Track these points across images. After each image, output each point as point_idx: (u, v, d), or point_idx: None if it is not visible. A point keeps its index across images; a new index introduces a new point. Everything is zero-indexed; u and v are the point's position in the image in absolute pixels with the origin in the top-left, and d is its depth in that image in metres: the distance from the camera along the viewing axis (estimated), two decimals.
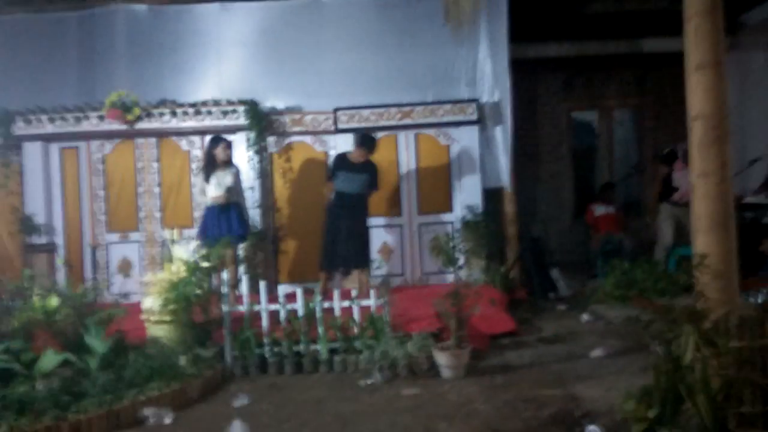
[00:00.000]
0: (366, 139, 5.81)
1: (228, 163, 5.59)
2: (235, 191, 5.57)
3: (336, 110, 6.51)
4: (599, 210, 7.51)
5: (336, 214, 5.70)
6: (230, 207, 5.50)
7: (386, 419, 3.46)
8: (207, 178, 5.51)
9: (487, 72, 6.67)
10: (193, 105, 6.36)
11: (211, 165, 5.52)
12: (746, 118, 7.66)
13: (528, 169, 8.02)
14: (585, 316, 5.46)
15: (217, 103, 6.36)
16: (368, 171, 5.75)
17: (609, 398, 3.39)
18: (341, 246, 5.63)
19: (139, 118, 6.30)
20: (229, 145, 5.65)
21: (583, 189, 8.65)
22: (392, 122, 6.58)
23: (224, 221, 5.45)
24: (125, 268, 6.53)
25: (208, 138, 5.99)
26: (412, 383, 4.05)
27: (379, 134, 6.63)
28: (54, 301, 4.24)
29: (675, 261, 5.63)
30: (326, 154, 6.61)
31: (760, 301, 4.60)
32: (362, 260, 5.78)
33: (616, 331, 4.91)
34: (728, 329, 2.78)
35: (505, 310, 5.31)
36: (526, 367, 4.29)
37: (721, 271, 2.94)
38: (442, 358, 4.19)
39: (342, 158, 5.80)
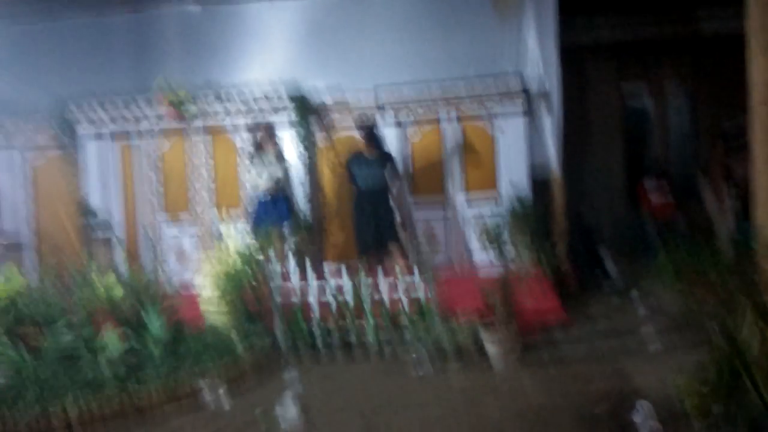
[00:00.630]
0: (369, 135, 5.78)
1: (277, 154, 5.73)
2: (283, 182, 5.70)
3: (382, 105, 6.52)
4: (655, 197, 7.25)
5: (362, 211, 5.75)
6: (279, 197, 5.65)
7: (437, 407, 3.47)
8: (258, 170, 5.66)
9: (536, 59, 6.52)
10: (245, 100, 6.49)
11: (262, 157, 5.67)
12: None
13: (579, 156, 7.82)
14: (638, 302, 5.29)
15: (267, 96, 6.49)
16: (384, 163, 5.76)
17: (667, 386, 3.28)
18: (376, 232, 5.66)
19: (195, 117, 6.51)
20: (277, 138, 5.78)
21: (637, 177, 8.38)
22: (440, 112, 6.55)
23: (274, 211, 5.59)
24: (181, 257, 6.78)
25: (259, 133, 6.14)
26: (463, 371, 4.05)
27: (426, 126, 6.65)
28: (118, 288, 4.44)
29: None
30: None
31: None
32: (394, 236, 5.74)
33: (672, 315, 4.75)
34: None
35: (556, 299, 5.23)
36: (578, 358, 4.21)
37: None
38: (491, 347, 4.17)
39: (356, 156, 5.84)
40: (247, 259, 4.55)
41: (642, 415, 2.85)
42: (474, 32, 6.55)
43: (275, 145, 5.71)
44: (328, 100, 6.62)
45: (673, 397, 3.00)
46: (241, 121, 6.56)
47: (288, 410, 3.36)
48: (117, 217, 6.84)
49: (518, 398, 3.50)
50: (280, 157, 5.75)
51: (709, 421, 2.72)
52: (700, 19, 7.40)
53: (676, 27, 7.45)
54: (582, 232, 6.68)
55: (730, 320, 2.75)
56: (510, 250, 6.07)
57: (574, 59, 7.13)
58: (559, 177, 6.52)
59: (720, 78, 7.95)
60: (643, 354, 4.03)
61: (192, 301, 4.73)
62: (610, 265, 6.38)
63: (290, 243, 5.97)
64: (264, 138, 5.71)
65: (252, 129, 6.40)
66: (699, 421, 2.76)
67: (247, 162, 6.05)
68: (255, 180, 5.72)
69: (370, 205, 5.72)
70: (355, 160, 5.83)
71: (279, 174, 5.62)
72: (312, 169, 6.64)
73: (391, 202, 5.87)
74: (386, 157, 5.84)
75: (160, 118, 6.61)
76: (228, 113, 6.53)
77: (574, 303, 5.50)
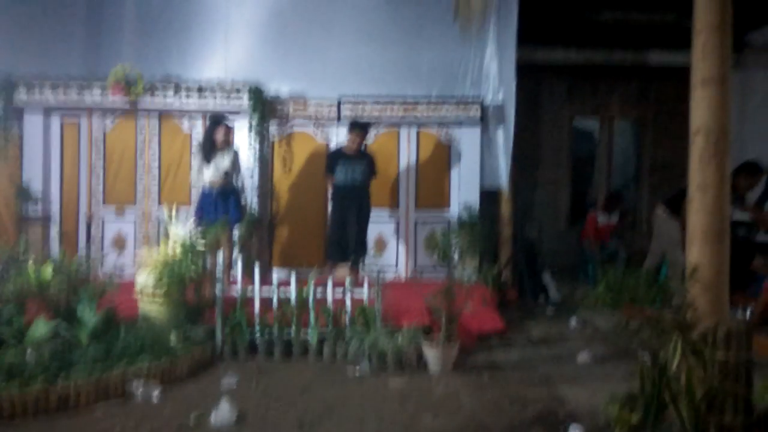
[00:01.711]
0: (357, 123, 5.98)
1: (227, 146, 5.57)
2: (232, 175, 5.57)
3: (340, 101, 6.51)
4: (601, 219, 7.56)
5: (341, 205, 5.90)
6: (227, 191, 5.50)
7: (373, 407, 3.51)
8: (206, 161, 5.48)
9: (493, 73, 6.69)
10: (197, 86, 6.35)
11: (211, 147, 5.49)
12: (746, 136, 7.73)
13: (526, 173, 8.06)
14: (574, 321, 5.53)
15: (221, 84, 6.36)
16: (365, 160, 5.93)
17: (593, 401, 3.44)
18: (350, 237, 5.83)
19: (142, 95, 6.29)
20: (229, 129, 5.64)
21: (579, 196, 8.71)
22: (395, 116, 6.59)
23: (221, 204, 5.45)
24: (120, 243, 6.54)
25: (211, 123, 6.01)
26: (400, 375, 4.10)
27: (382, 128, 6.68)
28: (48, 271, 4.25)
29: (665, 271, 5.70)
30: (327, 145, 6.62)
31: (747, 316, 4.69)
32: (364, 251, 5.99)
33: (604, 337, 4.98)
34: (715, 341, 2.83)
35: (495, 310, 5.35)
36: (513, 366, 4.34)
37: (712, 283, 2.99)
38: (430, 353, 4.24)
39: (338, 152, 6.01)
40: (189, 249, 4.43)
41: None
42: (437, 48, 6.63)
43: (226, 136, 5.55)
44: (285, 93, 6.54)
45: (600, 418, 3.14)
46: (193, 107, 6.38)
47: (221, 407, 3.30)
48: (56, 200, 6.50)
49: (451, 403, 3.56)
50: (230, 150, 5.60)
51: None
52: (648, 49, 7.77)
53: (625, 55, 7.79)
54: (525, 247, 6.86)
55: (662, 352, 2.89)
56: (455, 258, 6.17)
57: (529, 77, 7.34)
58: (507, 190, 6.69)
59: (664, 107, 8.38)
60: (575, 374, 4.17)
61: (129, 292, 4.57)
62: (549, 282, 6.59)
63: (236, 238, 5.86)
64: (215, 129, 5.54)
65: (204, 117, 6.25)
66: None
67: (196, 152, 5.88)
68: (203, 171, 5.55)
69: (349, 200, 5.83)
70: (336, 156, 5.95)
71: (227, 167, 5.48)
72: (264, 163, 6.55)
73: (370, 201, 5.99)
74: (366, 156, 5.99)
75: (106, 97, 6.33)
76: (179, 97, 6.33)
77: (512, 315, 5.65)
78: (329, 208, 6.33)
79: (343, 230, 5.87)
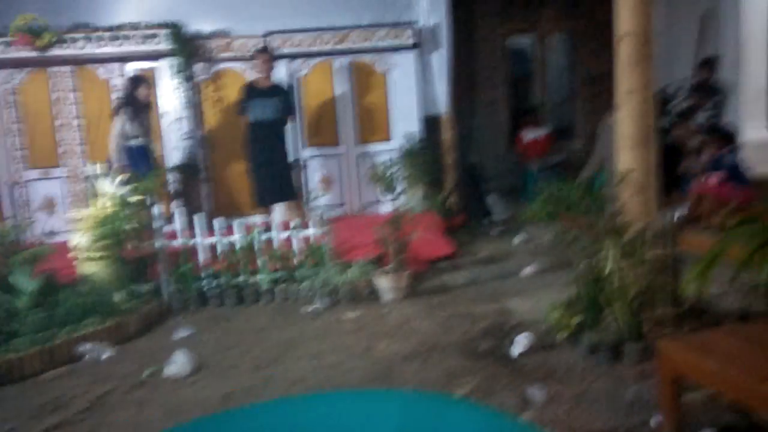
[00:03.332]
0: (258, 48, 5.68)
1: (148, 104, 5.41)
2: (147, 128, 5.45)
3: (267, 34, 6.20)
4: (528, 135, 7.70)
5: (256, 146, 5.55)
6: (146, 147, 5.39)
7: (329, 341, 3.56)
8: (131, 119, 5.28)
9: None
10: (109, 29, 5.90)
11: (134, 106, 5.28)
12: (671, 41, 7.87)
13: (466, 96, 8.02)
14: (518, 238, 5.72)
15: (136, 26, 5.93)
16: (279, 94, 5.61)
17: (538, 310, 3.60)
18: (269, 181, 5.55)
19: (51, 45, 5.80)
20: (149, 85, 5.42)
21: (519, 115, 8.79)
22: (327, 47, 6.36)
23: (146, 160, 5.31)
24: (49, 205, 6.19)
25: (128, 66, 5.70)
26: (354, 307, 4.16)
27: (314, 60, 6.44)
28: None
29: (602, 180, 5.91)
30: None
31: (676, 215, 4.94)
32: (291, 192, 5.71)
33: (546, 249, 5.17)
34: (645, 241, 2.97)
35: (444, 235, 5.45)
36: (463, 286, 4.48)
37: (642, 186, 3.10)
38: (382, 282, 4.30)
39: (250, 87, 5.62)
40: (123, 202, 4.25)
41: (521, 346, 3.11)
42: None
43: (147, 89, 5.35)
44: (207, 31, 6.17)
45: (545, 325, 3.29)
46: (108, 54, 5.94)
47: (175, 359, 3.28)
48: None
49: (405, 328, 3.66)
50: (148, 105, 5.42)
51: (579, 350, 3.01)
52: None
53: None
54: (469, 171, 6.93)
55: (596, 257, 3.01)
56: (401, 187, 6.19)
57: None
58: (447, 116, 6.66)
59: (595, 18, 8.40)
60: (521, 287, 4.34)
61: (66, 255, 4.38)
62: (494, 203, 6.73)
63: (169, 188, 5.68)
64: (137, 86, 5.33)
65: (120, 59, 5.89)
66: (570, 350, 3.05)
67: (116, 107, 5.56)
68: (126, 128, 5.31)
69: (263, 140, 5.51)
70: (248, 91, 5.57)
71: (147, 121, 5.34)
72: (193, 107, 6.24)
73: (287, 138, 5.71)
74: (281, 89, 5.67)
75: (11, 51, 5.81)
76: (92, 45, 5.87)
77: (461, 239, 5.77)
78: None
79: (267, 170, 5.53)
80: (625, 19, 3.07)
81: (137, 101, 5.36)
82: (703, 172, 5.23)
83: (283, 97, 5.62)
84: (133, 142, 5.34)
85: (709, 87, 6.23)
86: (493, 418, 1.67)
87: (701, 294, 2.71)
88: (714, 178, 4.99)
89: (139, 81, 5.46)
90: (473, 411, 1.74)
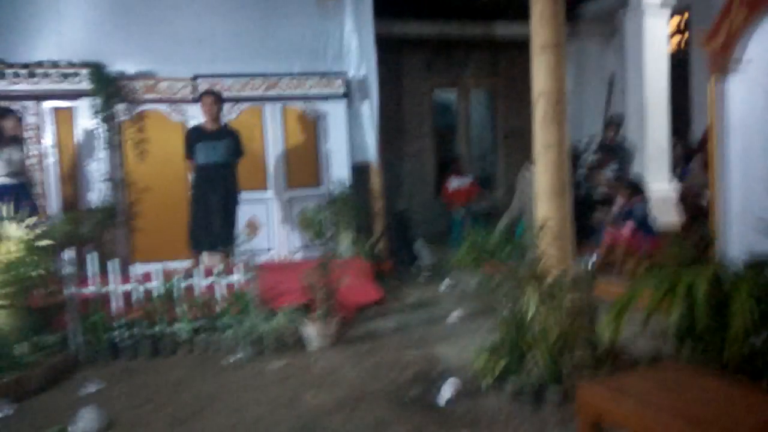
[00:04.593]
0: (207, 91, 5.52)
1: (17, 138, 5.15)
2: (24, 168, 5.21)
3: (195, 77, 6.13)
4: (453, 184, 7.99)
5: (203, 189, 5.36)
6: (21, 186, 5.07)
7: (252, 393, 3.42)
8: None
9: (354, 47, 6.69)
10: (25, 66, 5.63)
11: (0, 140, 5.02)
12: (582, 100, 8.52)
13: (394, 145, 8.25)
14: (444, 284, 5.81)
15: (55, 64, 5.69)
16: (227, 137, 5.47)
17: (464, 355, 3.64)
18: (212, 225, 5.34)
19: None
20: (19, 119, 5.21)
21: (444, 165, 9.11)
22: (257, 93, 6.36)
23: (17, 201, 4.86)
24: None
25: (44, 104, 5.42)
26: (279, 357, 4.03)
27: (244, 105, 6.42)
28: None
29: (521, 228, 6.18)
30: (184, 124, 6.18)
31: (590, 263, 5.22)
32: (231, 239, 5.50)
33: (471, 295, 5.28)
34: (563, 287, 3.11)
35: (372, 281, 5.45)
36: (391, 333, 4.46)
37: (559, 234, 3.27)
38: (310, 330, 4.21)
39: (196, 130, 5.48)
40: (29, 247, 3.95)
41: (448, 392, 3.12)
42: (296, 23, 6.48)
43: (16, 123, 5.14)
44: (132, 72, 6.03)
45: (471, 370, 3.33)
46: (24, 91, 5.65)
47: (82, 416, 3.02)
48: None
49: (332, 377, 3.58)
50: (18, 140, 5.18)
51: (504, 395, 3.06)
52: (494, 20, 8.24)
53: (475, 28, 8.19)
54: (397, 217, 7.05)
55: (519, 303, 3.11)
56: (330, 233, 6.17)
57: (389, 51, 7.46)
58: (376, 163, 6.79)
59: (513, 77, 8.97)
60: (447, 333, 4.39)
61: None
62: (421, 249, 6.84)
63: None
64: (2, 119, 5.07)
65: (36, 98, 5.61)
66: (495, 395, 3.10)
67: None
68: None
69: (211, 182, 5.32)
70: (195, 134, 5.40)
71: (18, 158, 5.07)
72: (113, 148, 5.99)
73: (236, 182, 5.52)
74: (230, 132, 5.51)
75: None
76: (6, 82, 5.58)
77: (389, 285, 5.79)
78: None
79: (206, 216, 5.35)
80: (540, 79, 3.29)
81: (2, 135, 4.99)
82: (615, 222, 5.58)
83: (232, 139, 5.46)
84: (0, 181, 4.94)
85: (615, 145, 6.73)
86: None
87: (616, 338, 2.85)
88: (626, 228, 5.33)
89: (4, 114, 5.10)
90: None
